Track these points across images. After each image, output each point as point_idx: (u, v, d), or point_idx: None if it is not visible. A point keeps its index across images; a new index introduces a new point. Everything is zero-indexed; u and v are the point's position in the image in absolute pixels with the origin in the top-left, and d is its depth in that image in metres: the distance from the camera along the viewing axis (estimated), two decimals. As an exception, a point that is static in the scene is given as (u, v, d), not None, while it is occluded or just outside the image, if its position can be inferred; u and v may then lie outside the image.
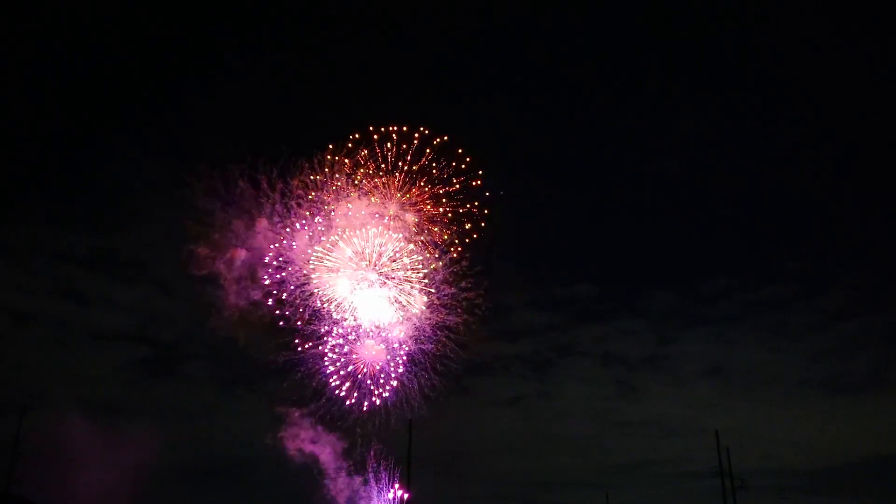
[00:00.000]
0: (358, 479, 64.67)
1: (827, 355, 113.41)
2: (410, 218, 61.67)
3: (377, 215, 61.35)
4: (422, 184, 61.74)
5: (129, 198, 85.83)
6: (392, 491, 65.51)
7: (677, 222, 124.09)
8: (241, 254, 61.71)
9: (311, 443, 63.28)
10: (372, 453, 64.69)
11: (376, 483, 65.07)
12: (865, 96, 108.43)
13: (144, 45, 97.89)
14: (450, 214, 61.98)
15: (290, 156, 60.78)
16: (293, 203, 60.86)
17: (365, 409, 61.20)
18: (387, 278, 60.47)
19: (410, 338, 62.17)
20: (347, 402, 61.16)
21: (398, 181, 61.53)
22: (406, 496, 62.37)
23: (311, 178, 60.40)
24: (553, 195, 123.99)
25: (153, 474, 79.55)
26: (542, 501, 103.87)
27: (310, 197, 60.62)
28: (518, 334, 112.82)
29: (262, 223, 61.77)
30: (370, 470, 65.31)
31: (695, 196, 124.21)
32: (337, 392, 61.00)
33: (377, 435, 62.92)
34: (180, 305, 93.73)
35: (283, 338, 60.81)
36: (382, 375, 61.73)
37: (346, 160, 60.87)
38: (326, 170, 60.91)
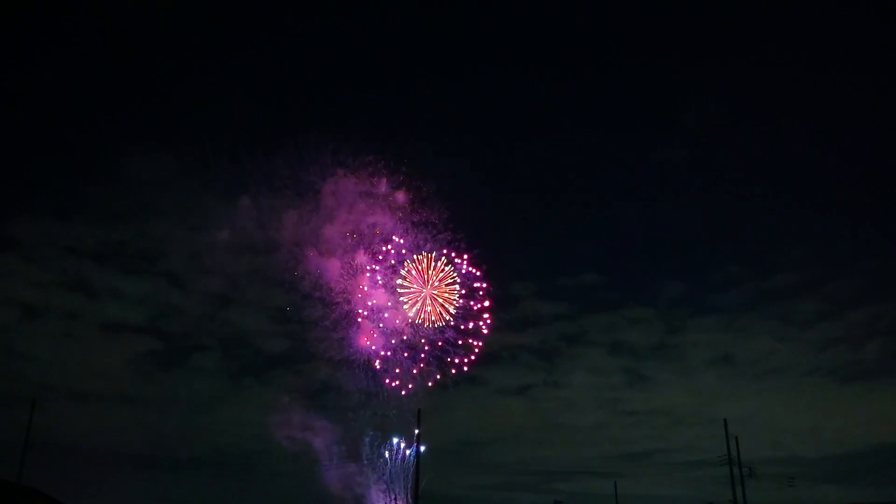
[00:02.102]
0: (362, 468, 63.53)
1: (836, 344, 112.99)
2: (401, 197, 60.16)
3: (365, 194, 59.82)
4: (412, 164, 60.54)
5: (138, 191, 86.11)
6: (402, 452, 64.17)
7: (685, 211, 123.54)
8: (224, 235, 60.03)
9: (305, 430, 62.30)
10: (367, 440, 63.46)
11: (373, 471, 63.89)
12: (874, 82, 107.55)
13: (148, 43, 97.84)
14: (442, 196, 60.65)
15: (273, 135, 59.50)
16: (278, 184, 59.32)
17: (364, 392, 60.23)
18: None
19: (409, 324, 60.97)
20: (347, 386, 60.32)
21: (387, 159, 60.14)
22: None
23: (295, 156, 58.82)
24: (560, 185, 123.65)
25: (162, 465, 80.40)
26: (551, 490, 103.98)
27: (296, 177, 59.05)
28: (526, 324, 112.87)
29: (245, 201, 60.05)
30: (363, 457, 63.97)
31: (703, 184, 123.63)
32: (335, 376, 60.03)
33: (381, 424, 62.07)
34: (189, 298, 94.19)
35: (280, 324, 59.94)
36: (381, 361, 60.53)
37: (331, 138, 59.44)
38: (311, 149, 59.57)
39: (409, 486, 62.96)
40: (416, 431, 60.84)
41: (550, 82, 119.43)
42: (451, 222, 61.16)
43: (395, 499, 62.17)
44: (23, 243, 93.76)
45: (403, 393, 60.83)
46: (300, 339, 60.04)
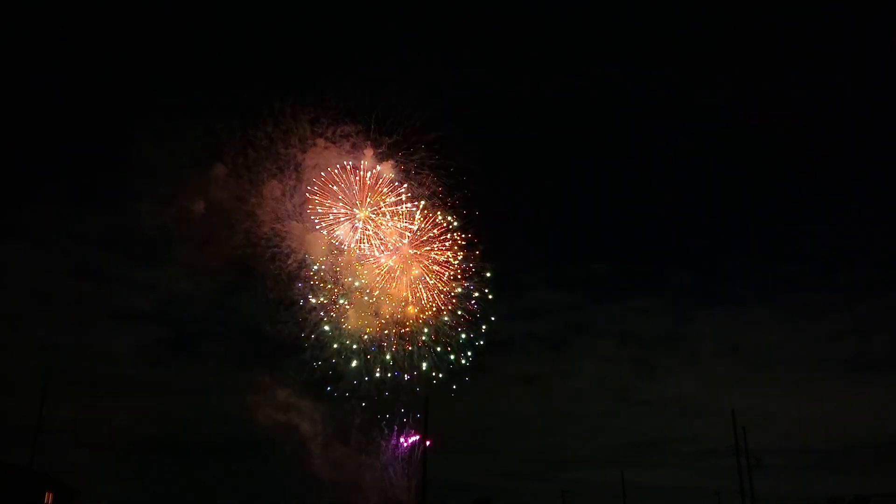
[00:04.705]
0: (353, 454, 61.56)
1: (846, 334, 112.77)
2: (388, 172, 57.39)
3: (351, 166, 57.04)
4: (397, 136, 57.12)
5: (148, 178, 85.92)
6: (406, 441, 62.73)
7: (695, 200, 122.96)
8: (199, 207, 57.88)
9: (302, 416, 60.58)
10: (357, 420, 60.87)
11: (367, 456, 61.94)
12: (888, 71, 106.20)
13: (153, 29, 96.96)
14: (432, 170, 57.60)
15: (249, 105, 56.96)
16: (256, 154, 56.30)
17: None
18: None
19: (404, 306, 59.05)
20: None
21: (372, 130, 56.81)
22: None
23: (272, 127, 55.80)
24: (569, 174, 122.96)
25: (172, 450, 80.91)
26: (558, 479, 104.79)
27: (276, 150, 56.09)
28: (535, 313, 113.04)
29: (221, 170, 57.01)
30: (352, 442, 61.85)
31: (713, 173, 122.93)
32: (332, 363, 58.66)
33: (381, 410, 60.44)
34: (198, 284, 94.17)
35: (286, 311, 57.82)
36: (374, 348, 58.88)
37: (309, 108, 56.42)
38: (289, 119, 56.37)
39: (407, 471, 61.60)
40: (415, 420, 60.18)
41: (555, 70, 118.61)
42: (452, 206, 58.66)
43: (392, 486, 61.33)
44: (34, 230, 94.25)
45: (407, 377, 59.34)
46: (300, 324, 58.08)
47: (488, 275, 59.84)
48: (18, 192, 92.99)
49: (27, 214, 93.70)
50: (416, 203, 57.79)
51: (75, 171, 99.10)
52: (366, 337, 58.50)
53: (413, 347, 59.55)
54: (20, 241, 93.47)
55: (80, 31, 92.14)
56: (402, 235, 57.90)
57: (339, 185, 57.47)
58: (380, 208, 57.51)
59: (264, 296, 57.81)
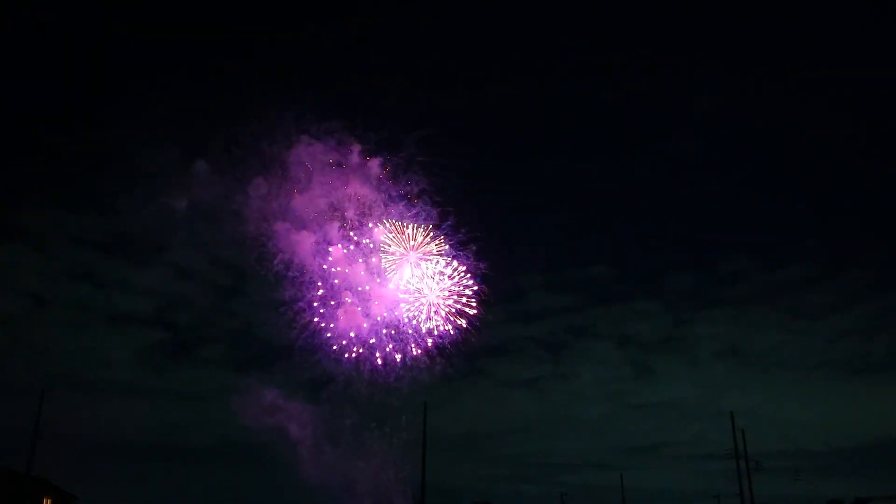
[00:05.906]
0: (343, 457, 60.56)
1: (846, 336, 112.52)
2: (375, 167, 56.04)
3: (337, 164, 55.85)
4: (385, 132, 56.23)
5: (146, 181, 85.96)
6: None
7: (695, 202, 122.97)
8: (181, 204, 56.16)
9: (294, 420, 59.63)
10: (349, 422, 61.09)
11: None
12: (888, 74, 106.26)
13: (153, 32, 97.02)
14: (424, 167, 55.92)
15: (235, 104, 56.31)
16: (241, 151, 54.97)
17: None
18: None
19: (397, 304, 57.41)
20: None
21: (359, 126, 56.00)
22: None
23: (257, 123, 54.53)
24: (569, 176, 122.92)
25: (170, 455, 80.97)
26: (557, 482, 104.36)
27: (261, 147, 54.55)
28: (533, 316, 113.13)
29: (201, 165, 55.74)
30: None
31: (712, 176, 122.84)
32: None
33: (378, 414, 59.66)
34: (197, 289, 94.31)
35: (284, 315, 56.95)
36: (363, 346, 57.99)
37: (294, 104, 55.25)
38: (273, 116, 55.00)
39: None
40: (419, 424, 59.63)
41: (558, 72, 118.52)
42: (447, 205, 56.39)
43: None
44: (31, 233, 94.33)
45: (395, 380, 58.46)
46: (290, 326, 57.13)
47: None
48: (17, 196, 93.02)
49: (25, 218, 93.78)
50: (406, 201, 57.18)
51: (74, 175, 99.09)
52: (356, 338, 57.83)
53: (408, 348, 58.98)
54: (18, 244, 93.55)
55: (75, 34, 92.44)
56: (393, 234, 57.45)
57: (325, 184, 56.87)
58: (369, 207, 57.06)
59: (255, 298, 57.42)
